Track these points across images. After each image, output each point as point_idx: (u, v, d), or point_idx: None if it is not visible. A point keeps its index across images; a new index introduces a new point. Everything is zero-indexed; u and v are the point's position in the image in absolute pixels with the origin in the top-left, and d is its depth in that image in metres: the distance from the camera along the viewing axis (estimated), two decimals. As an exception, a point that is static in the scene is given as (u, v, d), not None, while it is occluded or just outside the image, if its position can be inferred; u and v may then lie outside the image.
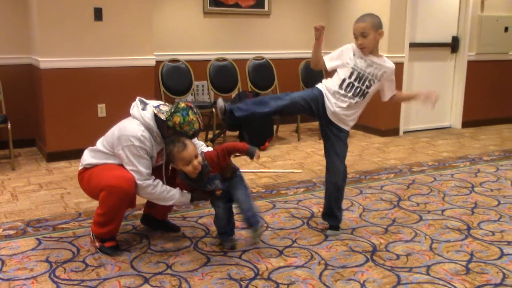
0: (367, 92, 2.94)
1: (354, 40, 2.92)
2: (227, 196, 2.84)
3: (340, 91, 2.92)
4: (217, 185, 2.77)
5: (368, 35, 2.85)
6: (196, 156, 2.65)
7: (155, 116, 2.73)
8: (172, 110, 2.69)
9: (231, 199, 2.86)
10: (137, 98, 2.83)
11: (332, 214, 3.15)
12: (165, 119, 2.70)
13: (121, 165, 2.75)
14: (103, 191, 2.66)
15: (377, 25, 2.89)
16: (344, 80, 2.92)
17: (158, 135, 2.74)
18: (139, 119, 2.72)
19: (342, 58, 2.96)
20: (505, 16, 6.59)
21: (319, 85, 3.01)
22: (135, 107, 2.78)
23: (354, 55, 2.94)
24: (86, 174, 2.82)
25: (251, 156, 2.79)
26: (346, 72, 2.93)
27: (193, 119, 2.69)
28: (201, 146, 2.98)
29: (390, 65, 3.00)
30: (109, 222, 2.75)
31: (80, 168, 2.87)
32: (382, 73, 2.95)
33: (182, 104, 2.71)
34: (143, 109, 2.75)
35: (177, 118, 2.67)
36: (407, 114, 6.20)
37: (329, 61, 3.00)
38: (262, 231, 3.08)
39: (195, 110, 2.72)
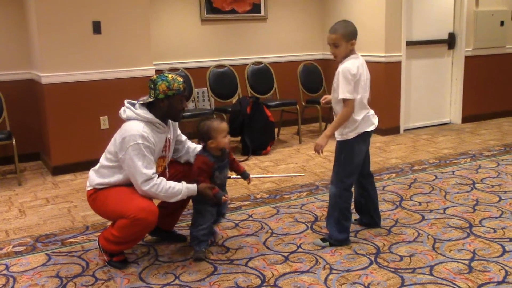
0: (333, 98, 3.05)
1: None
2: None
3: None
4: (223, 176, 2.93)
5: (339, 45, 2.92)
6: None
7: (145, 106, 2.80)
8: (152, 86, 2.77)
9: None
10: (125, 101, 2.86)
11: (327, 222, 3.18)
12: (154, 98, 2.76)
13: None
14: (124, 218, 2.66)
15: (349, 36, 2.91)
16: None
17: (159, 123, 2.79)
18: (136, 118, 2.76)
19: None
20: (500, 10, 6.62)
21: None
22: (127, 110, 2.81)
23: None
24: (100, 196, 2.81)
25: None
26: None
27: (173, 76, 2.79)
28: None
29: (340, 68, 2.93)
30: (124, 243, 2.80)
31: (89, 188, 2.89)
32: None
33: (154, 76, 2.81)
34: (135, 108, 2.81)
35: (162, 85, 2.74)
36: (407, 111, 6.24)
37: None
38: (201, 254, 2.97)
39: (167, 72, 2.84)
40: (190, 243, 2.99)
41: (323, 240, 3.11)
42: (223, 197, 2.85)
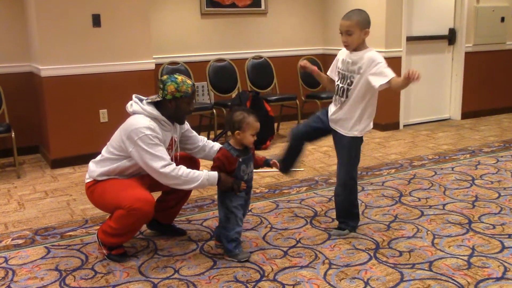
0: (349, 89, 2.92)
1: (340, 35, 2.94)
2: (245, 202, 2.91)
3: (335, 96, 3.05)
4: (250, 171, 2.85)
5: (352, 33, 2.85)
6: None
7: (153, 104, 2.79)
8: (161, 86, 2.76)
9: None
10: (134, 95, 2.85)
11: (338, 216, 3.25)
12: (162, 98, 2.75)
13: (135, 178, 2.78)
14: (121, 209, 2.66)
15: (363, 24, 2.86)
16: (337, 84, 3.03)
17: (165, 121, 2.78)
18: (142, 113, 2.75)
19: (335, 65, 3.08)
20: (501, 6, 6.61)
21: None
22: (134, 104, 2.80)
23: (341, 57, 3.02)
24: (98, 188, 2.81)
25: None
26: (337, 76, 3.04)
27: (182, 78, 2.78)
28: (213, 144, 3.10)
29: (368, 56, 2.87)
30: (122, 235, 2.80)
31: (88, 180, 2.88)
32: (359, 68, 2.89)
33: (165, 76, 2.80)
34: (142, 104, 2.80)
35: (171, 87, 2.73)
36: (406, 107, 6.24)
37: (330, 72, 3.15)
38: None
39: (177, 73, 2.85)
40: (228, 250, 2.84)
41: (341, 229, 3.16)
42: (242, 184, 2.76)
